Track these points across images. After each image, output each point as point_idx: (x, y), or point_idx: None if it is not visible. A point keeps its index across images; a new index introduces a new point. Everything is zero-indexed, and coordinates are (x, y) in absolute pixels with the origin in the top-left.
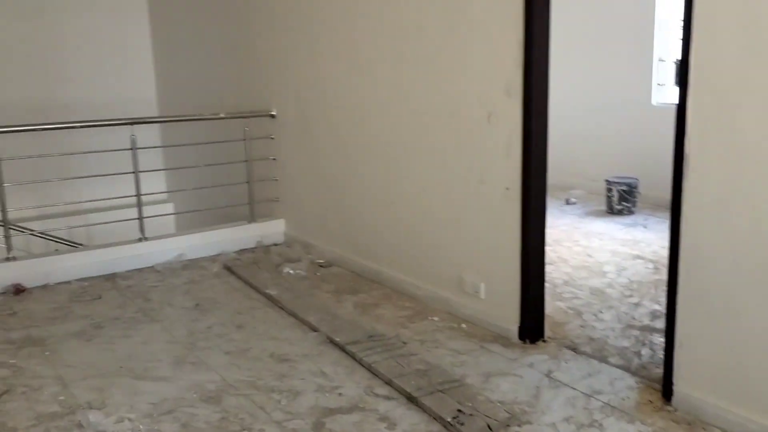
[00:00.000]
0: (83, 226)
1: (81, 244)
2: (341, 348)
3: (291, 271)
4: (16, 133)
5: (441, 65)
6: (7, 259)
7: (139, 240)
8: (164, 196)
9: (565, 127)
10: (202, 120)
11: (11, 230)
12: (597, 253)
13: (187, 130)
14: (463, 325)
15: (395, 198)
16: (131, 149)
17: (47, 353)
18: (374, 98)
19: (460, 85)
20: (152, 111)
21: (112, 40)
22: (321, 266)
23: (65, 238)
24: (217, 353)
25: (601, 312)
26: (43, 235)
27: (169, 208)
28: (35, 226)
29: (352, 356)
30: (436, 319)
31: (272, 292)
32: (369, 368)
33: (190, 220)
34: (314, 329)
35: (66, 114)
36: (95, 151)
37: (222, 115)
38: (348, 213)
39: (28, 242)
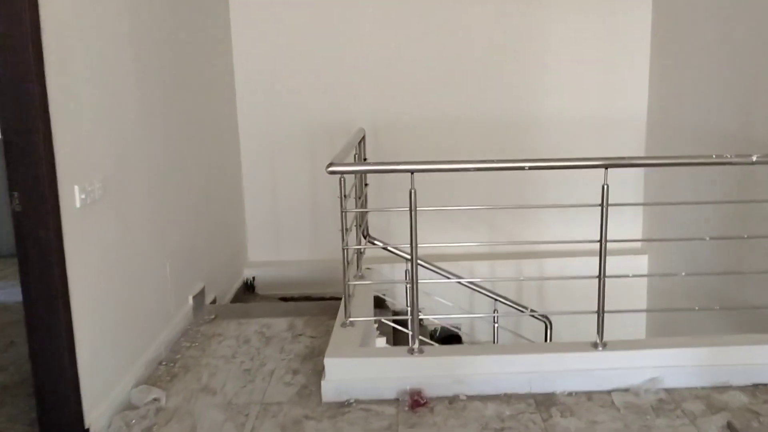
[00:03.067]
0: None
1: (529, 310)
2: None
3: None
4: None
5: None
6: (410, 352)
7: (594, 346)
8: (638, 244)
9: None
10: (710, 164)
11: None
12: None
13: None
14: None
15: None
16: (600, 205)
17: None
18: None
19: None
20: (639, 132)
21: (602, 42)
22: None
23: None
24: None
25: None
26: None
27: (643, 261)
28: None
29: None
30: None
31: None
32: None
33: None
34: None
35: (534, 130)
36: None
37: (754, 159)
38: None
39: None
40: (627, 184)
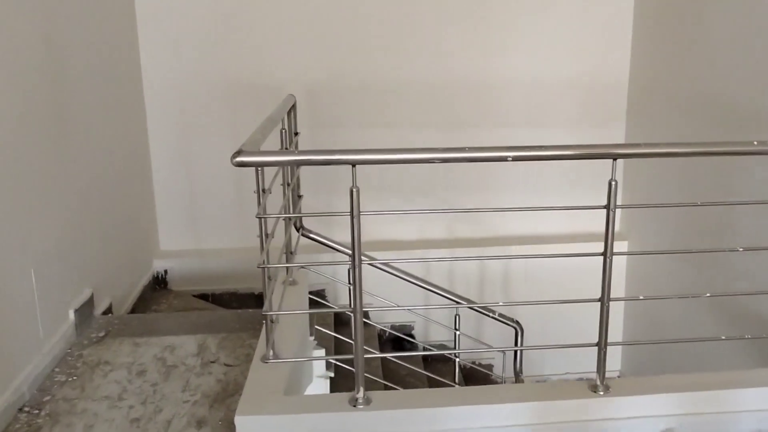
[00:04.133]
0: None
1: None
2: None
3: None
4: None
5: None
6: (354, 403)
7: (594, 392)
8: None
9: None
10: (749, 154)
11: None
12: None
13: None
14: None
15: None
16: (605, 207)
17: None
18: None
19: None
20: (619, 98)
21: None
22: None
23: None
24: None
25: None
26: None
27: (623, 247)
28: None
29: None
30: None
31: None
32: None
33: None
34: None
35: (497, 95)
36: None
37: None
38: None
39: None
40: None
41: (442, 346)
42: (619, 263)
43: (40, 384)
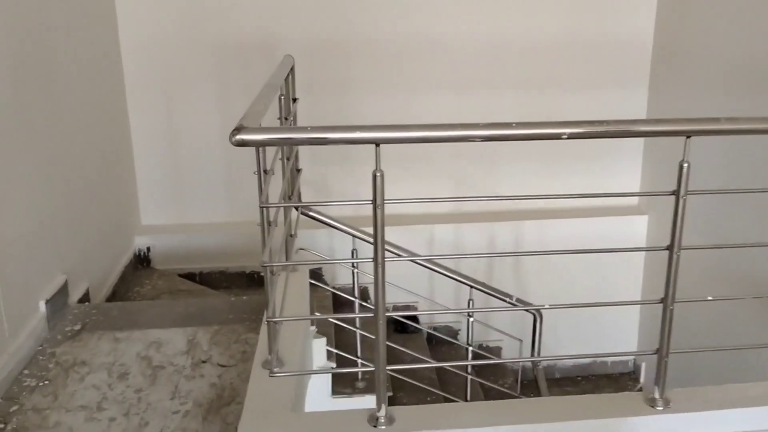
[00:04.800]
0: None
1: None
2: None
3: None
4: None
5: None
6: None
7: (653, 406)
8: (634, 200)
9: None
10: None
11: None
12: None
13: None
14: None
15: None
16: (674, 193)
17: None
18: None
19: None
20: (643, 59)
21: None
22: None
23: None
24: None
25: None
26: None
27: (642, 223)
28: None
29: None
30: None
31: None
32: None
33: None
34: None
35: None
36: None
37: None
38: None
39: None
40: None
41: (448, 329)
42: (635, 238)
43: (6, 390)
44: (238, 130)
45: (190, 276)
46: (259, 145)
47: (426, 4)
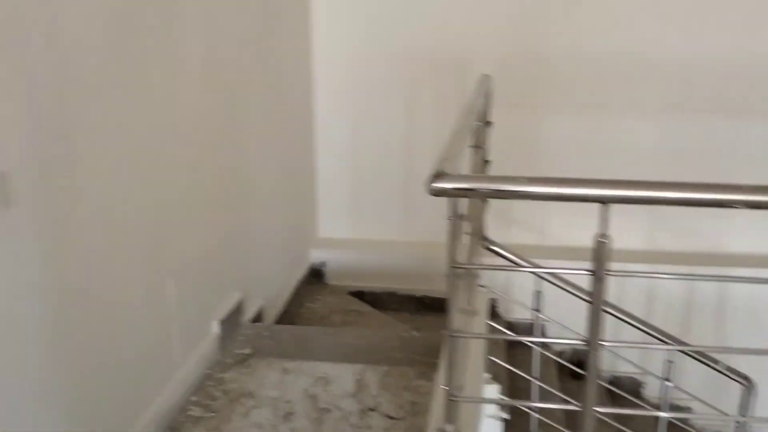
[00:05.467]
0: None
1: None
2: None
3: None
4: None
5: None
6: None
7: None
8: None
9: None
10: None
11: None
12: None
13: None
14: None
15: None
16: None
17: None
18: None
19: None
20: None
21: None
22: None
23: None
24: None
25: None
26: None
27: None
28: None
29: None
30: None
31: None
32: None
33: None
34: None
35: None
36: None
37: None
38: None
39: None
40: None
41: (631, 381)
42: None
43: (171, 419)
44: (439, 176)
45: (358, 293)
46: (461, 196)
47: (633, 21)
